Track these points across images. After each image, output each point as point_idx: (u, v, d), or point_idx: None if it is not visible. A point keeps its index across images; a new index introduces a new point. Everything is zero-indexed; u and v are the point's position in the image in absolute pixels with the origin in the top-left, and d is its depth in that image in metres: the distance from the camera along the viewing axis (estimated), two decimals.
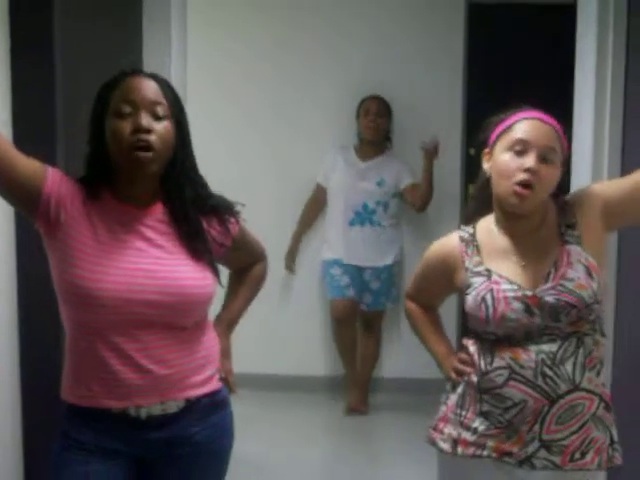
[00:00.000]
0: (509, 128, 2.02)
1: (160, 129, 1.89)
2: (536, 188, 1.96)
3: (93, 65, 2.91)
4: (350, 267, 4.88)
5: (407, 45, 5.11)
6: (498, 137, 2.04)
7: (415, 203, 4.87)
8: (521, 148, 1.97)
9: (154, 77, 1.97)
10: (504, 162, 1.98)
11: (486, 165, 2.08)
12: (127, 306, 1.86)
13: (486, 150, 2.08)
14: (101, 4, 3.10)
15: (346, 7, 5.12)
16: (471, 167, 4.84)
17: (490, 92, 4.88)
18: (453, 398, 2.10)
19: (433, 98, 5.12)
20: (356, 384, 4.95)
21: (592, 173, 3.20)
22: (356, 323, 5.00)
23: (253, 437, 4.09)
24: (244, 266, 2.24)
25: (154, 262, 1.92)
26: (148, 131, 1.87)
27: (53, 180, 1.89)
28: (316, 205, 5.04)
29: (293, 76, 5.16)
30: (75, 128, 2.63)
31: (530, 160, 1.95)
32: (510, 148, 1.99)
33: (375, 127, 4.87)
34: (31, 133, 2.53)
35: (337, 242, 4.87)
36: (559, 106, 3.45)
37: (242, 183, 4.54)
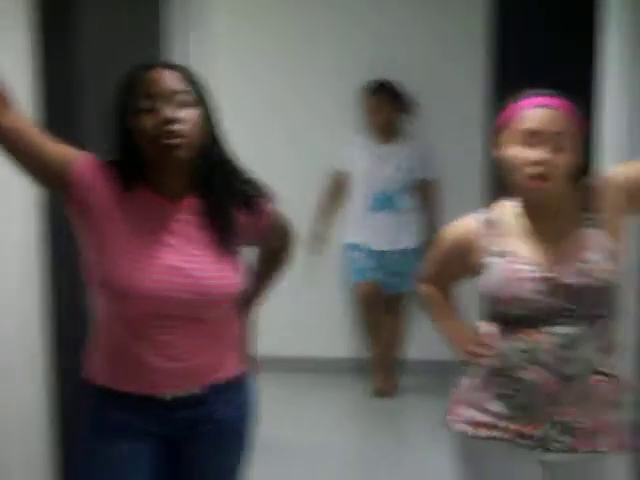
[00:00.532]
0: (515, 118, 1.98)
1: (185, 116, 1.88)
2: (550, 178, 1.94)
3: (116, 52, 2.94)
4: (372, 251, 4.89)
5: (425, 28, 5.11)
6: (505, 126, 2.01)
7: (422, 202, 4.89)
8: (529, 139, 1.94)
9: (173, 67, 1.96)
10: (514, 155, 1.96)
11: (495, 153, 2.05)
12: (157, 302, 1.90)
13: (498, 137, 2.04)
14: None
15: None
16: None
17: (519, 70, 4.83)
18: (469, 381, 2.11)
19: (453, 79, 5.11)
20: (382, 367, 4.98)
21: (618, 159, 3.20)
22: (380, 306, 5.02)
23: (280, 419, 4.15)
24: (273, 249, 2.24)
25: (184, 260, 1.93)
26: (173, 121, 1.86)
27: (82, 165, 1.91)
28: (337, 191, 5.02)
29: (309, 62, 5.18)
30: (100, 115, 2.67)
31: (540, 151, 1.93)
32: (518, 140, 1.96)
33: (379, 122, 4.86)
34: (56, 120, 2.57)
35: (358, 227, 4.88)
36: (588, 88, 3.46)
37: (260, 167, 4.55)
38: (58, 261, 2.70)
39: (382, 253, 4.90)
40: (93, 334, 2.03)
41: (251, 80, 5.16)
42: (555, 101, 1.98)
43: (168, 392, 1.97)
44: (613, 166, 3.13)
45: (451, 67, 5.11)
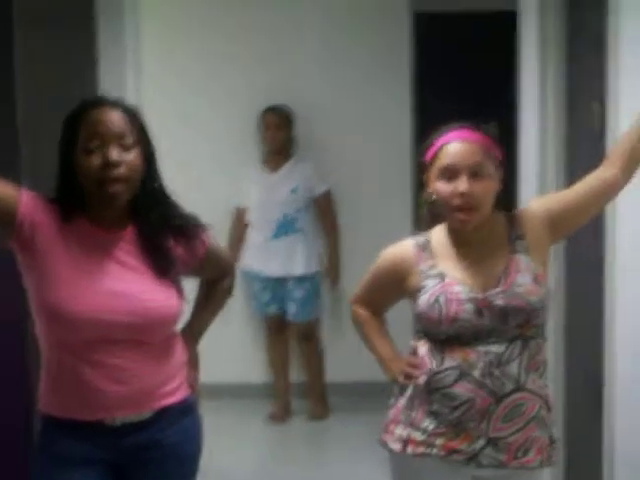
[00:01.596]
0: (436, 155, 2.10)
1: (129, 159, 1.95)
2: (475, 207, 2.07)
3: (51, 80, 2.96)
4: (271, 280, 4.92)
5: (350, 57, 5.19)
6: (430, 163, 2.13)
7: (325, 218, 4.98)
8: (450, 174, 2.07)
9: (118, 105, 2.01)
10: (439, 190, 2.09)
11: (430, 189, 2.15)
12: (100, 326, 1.95)
13: (426, 175, 2.16)
14: (55, 19, 3.14)
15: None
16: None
17: (440, 98, 4.99)
18: (402, 400, 2.18)
19: (379, 108, 5.22)
20: (313, 394, 5.04)
21: (539, 182, 3.36)
22: (286, 335, 5.07)
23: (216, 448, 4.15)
24: (213, 278, 2.31)
25: (124, 285, 1.99)
26: (118, 165, 1.92)
27: (27, 204, 1.95)
28: (239, 226, 4.99)
29: (202, 88, 5.18)
30: (37, 144, 2.68)
31: (461, 184, 2.05)
32: (441, 175, 2.08)
33: (275, 140, 4.93)
34: None
35: (256, 255, 4.87)
36: (508, 111, 3.61)
37: None
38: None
39: (282, 281, 4.91)
40: (42, 365, 2.05)
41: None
42: (470, 133, 2.11)
43: (118, 416, 2.00)
44: (530, 189, 3.34)
45: (373, 93, 5.22)
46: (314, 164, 4.98)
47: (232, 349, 5.20)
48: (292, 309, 4.95)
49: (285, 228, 4.87)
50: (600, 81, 2.78)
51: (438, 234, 2.20)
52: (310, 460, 4.50)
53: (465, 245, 2.15)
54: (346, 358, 5.07)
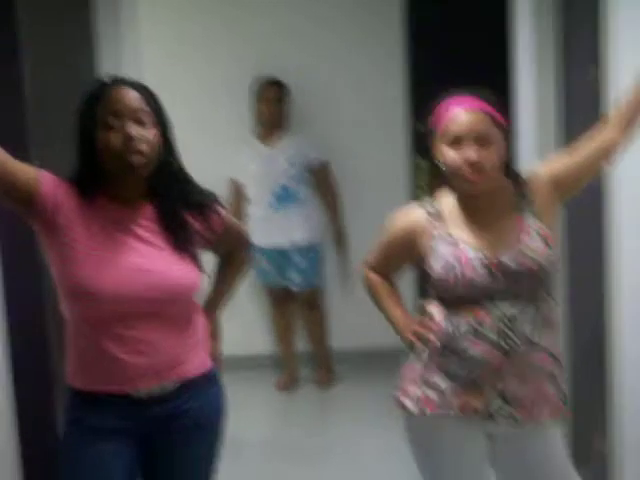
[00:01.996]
0: (442, 123, 2.15)
1: (147, 135, 2.01)
2: (482, 173, 2.12)
3: (55, 66, 2.99)
4: (273, 252, 4.97)
5: (344, 26, 5.23)
6: (436, 130, 2.18)
7: (324, 188, 5.03)
8: (458, 142, 2.12)
9: (134, 86, 2.07)
10: (448, 158, 2.14)
11: (438, 157, 2.20)
12: (123, 301, 2.01)
13: (430, 141, 2.22)
14: (56, 8, 3.17)
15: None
16: (420, 142, 4.95)
17: (435, 68, 4.95)
18: (417, 361, 2.24)
19: (372, 79, 5.25)
20: (319, 362, 5.13)
21: (538, 146, 3.42)
22: (287, 307, 5.14)
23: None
24: (229, 252, 2.39)
25: (146, 259, 2.05)
26: (137, 139, 1.98)
27: (47, 184, 2.00)
28: (236, 199, 5.00)
29: (193, 68, 5.21)
30: (46, 129, 2.72)
31: (469, 151, 2.10)
32: (449, 143, 2.14)
33: (273, 113, 4.95)
34: (2, 136, 2.62)
35: (259, 229, 4.82)
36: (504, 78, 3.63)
37: None
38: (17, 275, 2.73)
39: (283, 252, 4.97)
40: (67, 341, 2.12)
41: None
42: (475, 102, 2.16)
43: (142, 388, 2.07)
44: (530, 156, 3.40)
45: (368, 68, 5.26)
46: (310, 137, 5.02)
47: (237, 321, 5.24)
48: (295, 279, 5.01)
49: (284, 200, 4.91)
50: (596, 44, 2.83)
51: (446, 201, 2.26)
52: (317, 425, 4.58)
53: (475, 211, 2.21)
54: (353, 325, 5.20)
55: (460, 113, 2.14)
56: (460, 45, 5.02)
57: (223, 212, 2.24)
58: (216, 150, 5.09)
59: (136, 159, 1.99)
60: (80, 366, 2.09)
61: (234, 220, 2.36)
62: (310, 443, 4.24)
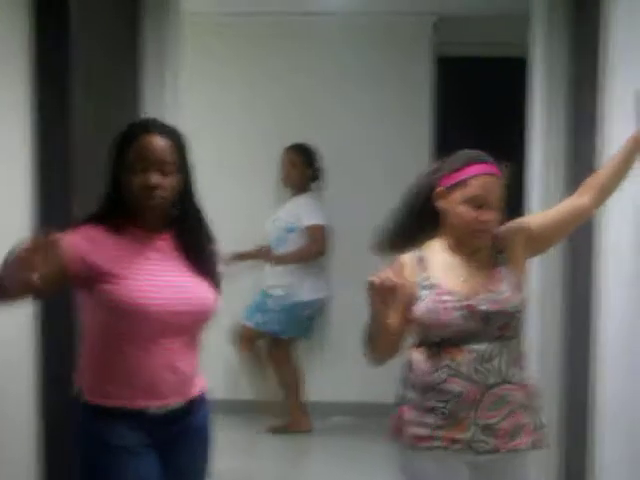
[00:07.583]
0: (465, 182, 2.36)
1: (166, 184, 2.20)
2: (491, 231, 2.40)
3: (102, 106, 3.26)
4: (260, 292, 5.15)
5: (370, 97, 5.45)
6: (455, 186, 2.38)
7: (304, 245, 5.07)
8: (478, 203, 2.35)
9: (165, 131, 2.23)
10: (465, 213, 2.36)
11: (441, 204, 2.41)
12: (163, 316, 2.18)
13: (440, 189, 2.42)
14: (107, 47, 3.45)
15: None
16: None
17: (461, 136, 5.17)
18: (405, 402, 2.43)
19: (401, 149, 5.42)
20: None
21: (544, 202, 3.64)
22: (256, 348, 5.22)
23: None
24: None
25: (178, 278, 2.25)
26: (156, 187, 2.17)
27: (68, 252, 2.10)
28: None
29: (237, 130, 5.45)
30: (91, 170, 2.91)
31: (488, 214, 2.35)
32: (468, 201, 2.35)
33: (289, 177, 5.16)
34: (51, 176, 2.84)
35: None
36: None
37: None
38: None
39: (266, 294, 5.09)
40: (86, 357, 2.26)
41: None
42: (495, 169, 2.38)
43: (170, 403, 2.23)
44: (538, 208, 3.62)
45: (395, 138, 5.46)
46: (320, 199, 5.17)
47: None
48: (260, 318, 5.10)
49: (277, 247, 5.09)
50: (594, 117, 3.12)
51: (433, 247, 2.48)
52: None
53: (459, 256, 2.44)
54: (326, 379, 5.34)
55: (487, 177, 2.36)
56: (483, 120, 5.31)
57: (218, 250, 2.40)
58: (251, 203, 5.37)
59: (152, 203, 2.19)
60: (106, 382, 2.20)
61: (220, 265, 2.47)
62: None
